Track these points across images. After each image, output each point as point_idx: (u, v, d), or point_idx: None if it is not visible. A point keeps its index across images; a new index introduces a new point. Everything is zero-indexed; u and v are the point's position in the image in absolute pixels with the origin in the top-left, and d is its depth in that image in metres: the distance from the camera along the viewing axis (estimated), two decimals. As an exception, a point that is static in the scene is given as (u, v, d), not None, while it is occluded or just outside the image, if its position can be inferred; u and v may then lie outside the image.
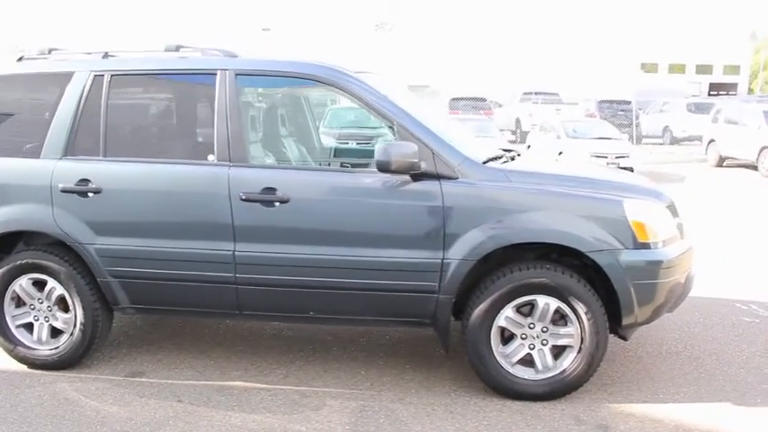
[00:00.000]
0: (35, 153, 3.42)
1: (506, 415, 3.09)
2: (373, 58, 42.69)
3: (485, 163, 3.27)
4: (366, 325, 3.73)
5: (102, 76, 3.43)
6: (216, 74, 3.34)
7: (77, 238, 3.35)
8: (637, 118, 17.82)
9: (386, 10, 54.52)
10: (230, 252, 3.24)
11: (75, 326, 3.46)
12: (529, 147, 14.50)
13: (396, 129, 3.18)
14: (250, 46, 39.48)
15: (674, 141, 19.02)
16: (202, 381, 3.46)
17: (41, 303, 3.49)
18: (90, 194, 3.33)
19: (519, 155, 3.83)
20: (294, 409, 3.16)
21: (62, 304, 3.49)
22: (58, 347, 3.50)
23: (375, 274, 3.17)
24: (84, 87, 3.43)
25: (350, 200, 3.18)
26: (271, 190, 3.18)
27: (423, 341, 3.97)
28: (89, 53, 3.58)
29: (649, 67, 45.17)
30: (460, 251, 3.10)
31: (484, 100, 20.02)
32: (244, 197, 3.19)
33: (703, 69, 50.62)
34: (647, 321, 3.29)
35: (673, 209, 3.40)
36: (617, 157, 12.12)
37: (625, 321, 3.17)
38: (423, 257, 3.13)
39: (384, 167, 3.02)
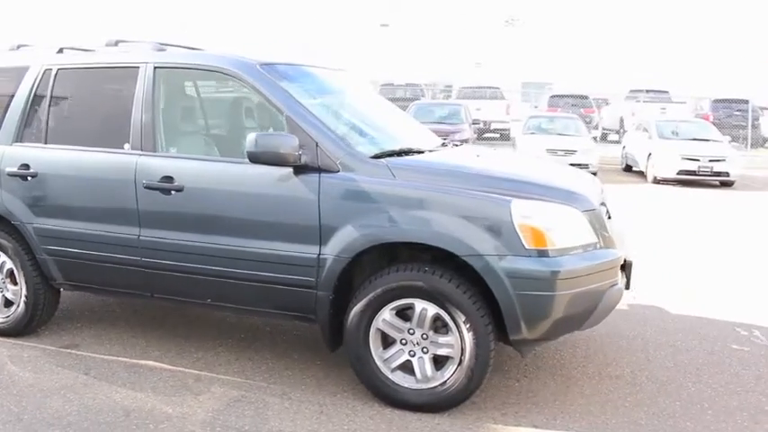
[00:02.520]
0: (-11, 140, 3.80)
1: (374, 423, 2.95)
2: (503, 53, 41.83)
3: (376, 157, 3.13)
4: (261, 316, 3.70)
5: (51, 69, 3.74)
6: (139, 67, 3.51)
7: (20, 217, 3.68)
8: (756, 119, 15.89)
9: (516, 5, 53.25)
10: (136, 237, 3.40)
11: (20, 298, 3.80)
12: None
13: (284, 120, 3.14)
14: (367, 42, 40.40)
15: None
16: (121, 357, 3.65)
17: None
18: (29, 178, 3.64)
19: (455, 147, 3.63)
20: (178, 391, 3.25)
21: (12, 278, 3.84)
22: (8, 317, 3.87)
23: (259, 265, 3.17)
24: (35, 80, 3.75)
25: (235, 190, 3.20)
26: (169, 179, 3.29)
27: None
28: (49, 48, 3.90)
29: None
30: (335, 247, 3.01)
31: (586, 97, 18.92)
32: (146, 185, 3.33)
33: None
34: (547, 337, 2.99)
35: (594, 215, 3.04)
36: (710, 161, 11.00)
37: (512, 335, 2.90)
38: (301, 252, 3.07)
39: (253, 158, 3.00)
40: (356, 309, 3.03)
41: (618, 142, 16.73)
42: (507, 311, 2.83)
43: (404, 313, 3.01)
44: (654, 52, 38.35)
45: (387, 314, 3.01)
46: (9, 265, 3.81)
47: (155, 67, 3.47)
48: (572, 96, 18.84)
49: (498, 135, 18.95)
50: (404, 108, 16.11)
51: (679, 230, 7.81)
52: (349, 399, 3.17)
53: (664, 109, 17.37)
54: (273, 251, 3.12)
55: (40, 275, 3.75)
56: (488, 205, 2.86)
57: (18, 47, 4.03)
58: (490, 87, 20.61)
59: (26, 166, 3.64)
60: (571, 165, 12.42)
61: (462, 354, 2.92)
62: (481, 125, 18.75)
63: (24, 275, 3.76)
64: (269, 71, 3.31)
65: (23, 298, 3.79)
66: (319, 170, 3.05)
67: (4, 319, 3.88)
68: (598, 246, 3.02)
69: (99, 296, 4.47)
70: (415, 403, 3.03)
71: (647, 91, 18.86)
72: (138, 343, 3.87)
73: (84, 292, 3.96)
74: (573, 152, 12.57)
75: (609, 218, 3.84)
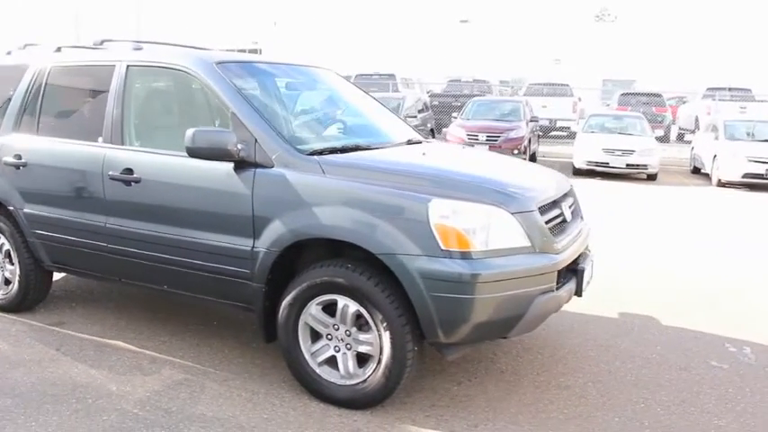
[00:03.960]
0: (-3, 131, 4.15)
1: (294, 414, 3.01)
2: (594, 49, 40.22)
3: (315, 153, 3.17)
4: (211, 304, 3.75)
5: (46, 67, 4.04)
6: (114, 65, 3.73)
7: (14, 203, 4.01)
8: None
9: (606, 0, 51.28)
10: (103, 224, 3.62)
11: (15, 277, 4.14)
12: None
13: (230, 116, 3.24)
14: (449, 38, 40.04)
15: None
16: (96, 336, 3.90)
17: None
18: (20, 167, 3.95)
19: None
20: (130, 371, 3.44)
21: (10, 258, 4.19)
22: (7, 294, 4.22)
23: (203, 255, 3.29)
24: (33, 76, 4.06)
25: (182, 183, 3.33)
26: (129, 171, 3.48)
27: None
28: (49, 48, 4.21)
29: None
30: (266, 241, 3.08)
31: (659, 96, 17.88)
32: (110, 176, 3.54)
33: None
34: (468, 341, 2.92)
35: (529, 217, 2.94)
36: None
37: (428, 338, 2.87)
38: (238, 244, 3.17)
39: (191, 153, 3.11)
40: (285, 302, 3.09)
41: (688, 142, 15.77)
42: (422, 313, 2.80)
43: (330, 309, 3.04)
44: (742, 50, 35.66)
45: (313, 309, 3.05)
46: (7, 246, 4.15)
47: (127, 66, 3.68)
48: (644, 94, 17.89)
49: (566, 133, 18.33)
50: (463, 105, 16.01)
51: (722, 235, 7.30)
52: (283, 390, 3.24)
53: (744, 108, 16.15)
54: (215, 243, 3.24)
55: (31, 257, 4.07)
56: (407, 204, 2.83)
57: (25, 46, 4.37)
58: (560, 84, 19.93)
59: (19, 156, 3.95)
60: (628, 165, 12.00)
61: (381, 353, 2.91)
62: (547, 123, 18.21)
63: (18, 257, 4.09)
64: (223, 69, 3.42)
65: (17, 278, 4.13)
66: (256, 165, 3.13)
67: (4, 296, 4.24)
68: (531, 249, 2.92)
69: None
70: (339, 399, 3.06)
71: (730, 89, 17.57)
72: (117, 324, 4.11)
73: (69, 274, 4.24)
74: (630, 152, 12.00)
75: (581, 218, 3.71)
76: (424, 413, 3.04)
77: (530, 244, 2.92)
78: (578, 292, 3.29)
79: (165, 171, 3.40)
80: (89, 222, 3.68)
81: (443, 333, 2.82)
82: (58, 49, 4.17)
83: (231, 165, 3.17)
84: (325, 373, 3.09)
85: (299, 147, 3.17)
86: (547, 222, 3.09)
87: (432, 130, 17.14)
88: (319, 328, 3.07)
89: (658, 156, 12.24)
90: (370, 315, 2.91)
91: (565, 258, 3.09)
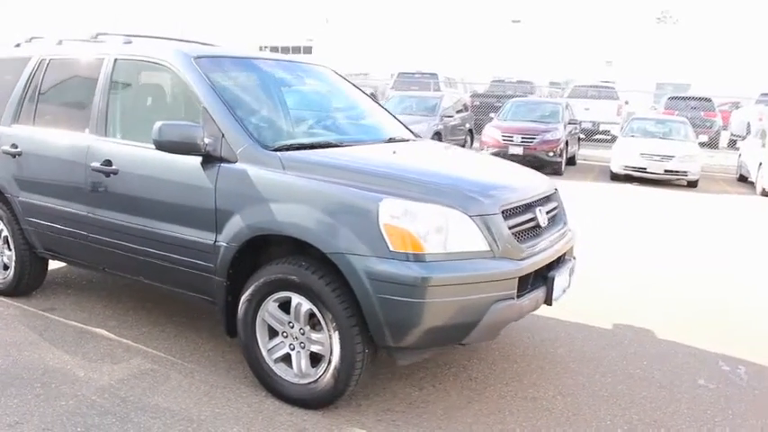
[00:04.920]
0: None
1: (246, 410, 3.00)
2: (649, 52, 38.95)
3: (281, 149, 3.14)
4: (184, 297, 3.75)
5: (45, 59, 4.16)
6: (103, 59, 3.80)
7: (10, 191, 4.15)
8: None
9: (668, 2, 49.79)
10: (86, 214, 3.70)
11: (12, 263, 4.29)
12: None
13: (201, 110, 3.25)
14: (499, 38, 39.49)
15: None
16: (80, 323, 4.00)
17: None
18: (16, 156, 4.08)
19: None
20: (102, 358, 3.50)
21: (8, 244, 4.33)
22: (5, 278, 4.38)
23: (174, 248, 3.31)
24: (33, 68, 4.19)
25: (154, 176, 3.36)
26: (108, 162, 3.55)
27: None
28: (50, 41, 4.34)
29: None
30: (227, 236, 3.08)
31: (709, 100, 17.11)
32: (92, 167, 3.61)
33: None
34: (421, 346, 2.84)
35: (490, 220, 2.84)
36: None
37: (377, 341, 2.81)
38: (202, 238, 3.18)
39: (158, 146, 3.14)
40: (244, 297, 3.09)
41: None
42: (369, 315, 2.74)
43: (287, 306, 3.01)
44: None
45: (270, 306, 3.03)
46: (5, 232, 4.30)
47: (114, 59, 3.75)
48: (693, 99, 17.16)
49: (609, 137, 17.79)
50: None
51: (754, 248, 6.92)
52: (243, 386, 3.24)
53: (798, 114, 15.30)
54: (182, 235, 3.25)
55: (25, 244, 4.20)
56: (359, 202, 2.77)
57: (30, 39, 4.52)
58: (605, 87, 19.36)
59: (15, 145, 4.09)
60: (666, 171, 11.54)
61: (331, 353, 2.87)
62: (590, 126, 17.72)
63: (14, 243, 4.23)
64: (201, 64, 3.44)
65: (14, 263, 4.27)
66: (221, 160, 3.14)
67: (2, 281, 4.40)
68: (490, 254, 2.82)
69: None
70: (292, 397, 3.03)
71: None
72: (104, 313, 4.20)
73: (61, 262, 4.35)
74: (669, 158, 11.54)
75: (564, 224, 3.57)
76: (377, 417, 2.98)
77: (489, 248, 2.82)
78: (548, 301, 3.16)
79: (140, 163, 3.44)
80: (74, 212, 3.77)
81: (392, 337, 2.75)
82: (60, 42, 4.29)
83: (199, 159, 3.18)
84: (281, 370, 3.07)
85: (264, 142, 3.16)
86: (514, 226, 2.98)
87: (470, 131, 16.94)
88: (275, 325, 3.05)
89: (700, 162, 11.71)
90: (322, 314, 2.86)
91: (529, 265, 2.96)
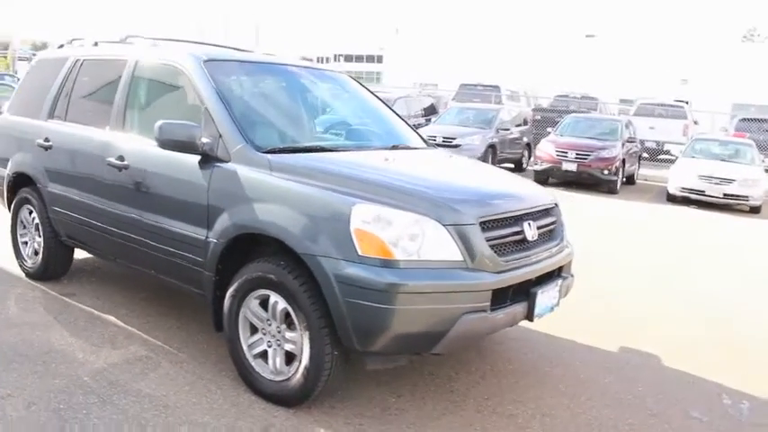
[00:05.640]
0: (38, 115, 4.61)
1: (222, 403, 3.08)
2: (728, 71, 37.24)
3: (274, 151, 3.23)
4: (183, 290, 3.83)
5: (79, 60, 4.44)
6: (127, 60, 4.03)
7: (41, 181, 4.44)
8: None
9: (756, 20, 47.29)
10: (100, 206, 3.92)
11: (41, 249, 4.58)
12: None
13: (202, 111, 3.39)
14: (571, 53, 38.66)
15: None
16: (93, 309, 4.21)
17: (30, 228, 4.70)
18: (48, 149, 4.37)
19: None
20: (103, 343, 3.69)
21: (39, 231, 4.63)
22: (35, 263, 4.68)
23: (171, 242, 3.46)
24: (69, 68, 4.48)
25: (158, 172, 3.53)
26: (121, 158, 3.75)
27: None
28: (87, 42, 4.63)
29: None
30: (216, 232, 3.20)
31: (783, 122, 16.14)
32: (108, 162, 3.83)
33: None
34: (388, 352, 2.85)
35: (467, 230, 2.82)
36: None
37: (345, 343, 2.83)
38: (195, 233, 3.31)
39: (159, 144, 3.30)
40: (229, 293, 3.19)
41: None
42: (337, 318, 2.77)
43: (266, 304, 3.09)
44: None
45: (252, 302, 3.12)
46: (37, 220, 4.61)
47: (136, 61, 3.96)
48: (764, 121, 16.26)
49: (674, 157, 17.06)
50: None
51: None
52: (227, 379, 3.33)
53: None
54: (179, 230, 3.40)
55: (52, 231, 4.48)
56: (333, 205, 2.82)
57: (71, 41, 4.83)
58: (672, 106, 18.60)
59: (47, 139, 4.38)
60: (726, 195, 10.98)
61: (302, 353, 2.92)
62: (654, 145, 17.08)
63: (42, 229, 4.52)
64: (209, 66, 3.59)
65: (42, 249, 4.57)
66: (216, 160, 3.26)
67: (33, 265, 4.70)
68: (463, 264, 2.80)
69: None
70: (267, 393, 3.10)
71: None
72: (118, 300, 4.41)
73: (82, 250, 4.60)
74: (730, 181, 10.98)
75: (561, 239, 3.49)
76: (346, 421, 3.00)
77: (462, 258, 2.80)
78: (529, 317, 3.10)
79: (146, 160, 3.62)
80: (90, 203, 4.00)
81: (358, 340, 2.77)
82: (96, 44, 4.57)
83: (198, 158, 3.32)
84: (259, 366, 3.15)
85: (257, 144, 3.26)
86: (495, 238, 2.95)
87: (528, 145, 16.66)
88: (256, 322, 3.14)
89: (764, 187, 11.08)
90: (295, 314, 2.92)
91: (508, 279, 2.92)
